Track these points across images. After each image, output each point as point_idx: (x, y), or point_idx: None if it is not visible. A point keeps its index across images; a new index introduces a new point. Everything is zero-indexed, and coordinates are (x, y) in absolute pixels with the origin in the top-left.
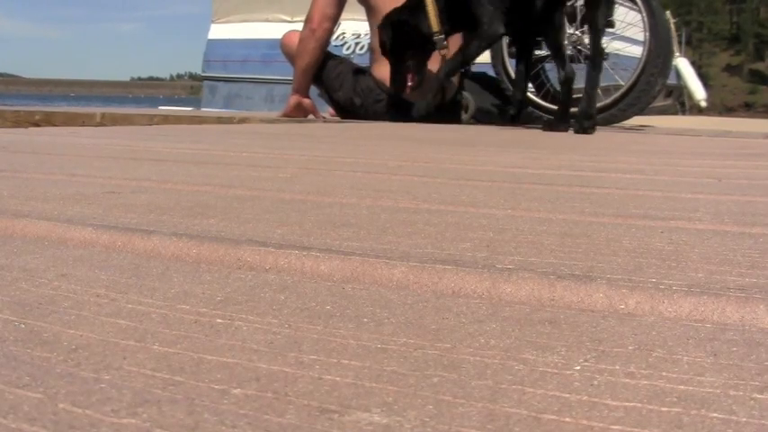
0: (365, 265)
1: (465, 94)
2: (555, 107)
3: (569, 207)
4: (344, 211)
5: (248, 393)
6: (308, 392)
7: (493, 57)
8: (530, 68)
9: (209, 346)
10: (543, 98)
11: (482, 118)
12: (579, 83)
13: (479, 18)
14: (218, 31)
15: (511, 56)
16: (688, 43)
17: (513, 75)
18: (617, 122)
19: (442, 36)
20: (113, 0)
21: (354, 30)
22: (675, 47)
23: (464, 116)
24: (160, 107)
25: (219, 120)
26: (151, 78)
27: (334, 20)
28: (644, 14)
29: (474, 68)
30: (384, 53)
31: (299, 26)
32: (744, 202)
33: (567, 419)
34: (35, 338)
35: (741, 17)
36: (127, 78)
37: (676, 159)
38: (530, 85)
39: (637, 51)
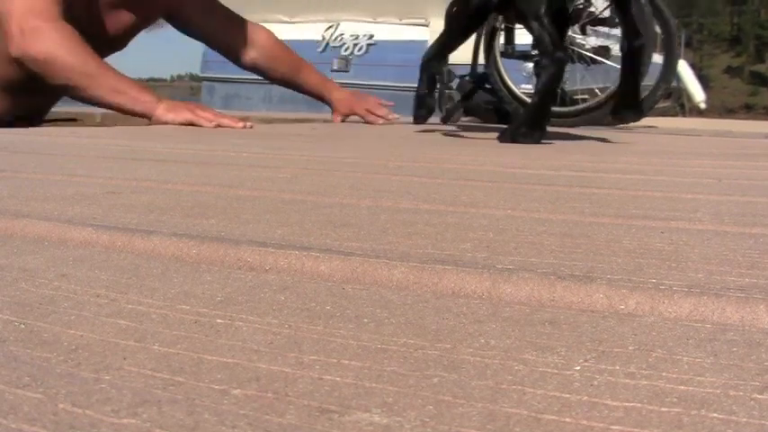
0: (365, 266)
1: (452, 93)
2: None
3: (569, 207)
4: (344, 212)
5: (248, 393)
6: (308, 392)
7: (486, 56)
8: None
9: (209, 346)
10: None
11: (477, 118)
12: (577, 84)
13: None
14: None
15: (503, 55)
16: (688, 45)
17: (504, 74)
18: (618, 124)
19: None
20: None
21: (353, 31)
22: (679, 50)
23: (453, 117)
24: None
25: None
26: (152, 79)
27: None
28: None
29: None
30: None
31: (299, 27)
32: (744, 203)
33: (567, 419)
34: (35, 338)
35: (742, 19)
36: None
37: (676, 159)
38: (528, 86)
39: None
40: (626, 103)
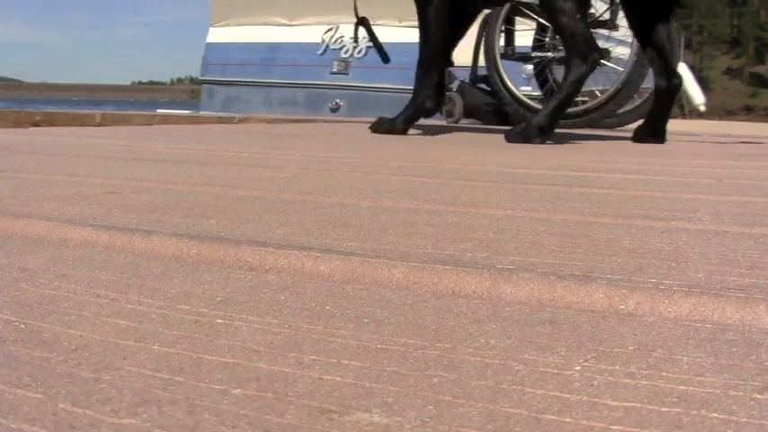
0: (365, 265)
1: (452, 95)
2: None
3: (569, 207)
4: (344, 212)
5: (248, 393)
6: (308, 392)
7: (486, 58)
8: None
9: (209, 346)
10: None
11: (475, 119)
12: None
13: None
14: (217, 35)
15: (503, 57)
16: (688, 47)
17: (504, 76)
18: (617, 126)
19: None
20: (115, 5)
21: (353, 33)
22: (679, 52)
23: (452, 119)
24: (158, 110)
25: (220, 120)
26: (152, 82)
27: None
28: None
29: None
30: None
31: (298, 30)
32: (744, 202)
33: (567, 419)
34: (35, 338)
35: (741, 20)
36: (128, 82)
37: (676, 159)
38: (527, 87)
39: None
40: (653, 132)
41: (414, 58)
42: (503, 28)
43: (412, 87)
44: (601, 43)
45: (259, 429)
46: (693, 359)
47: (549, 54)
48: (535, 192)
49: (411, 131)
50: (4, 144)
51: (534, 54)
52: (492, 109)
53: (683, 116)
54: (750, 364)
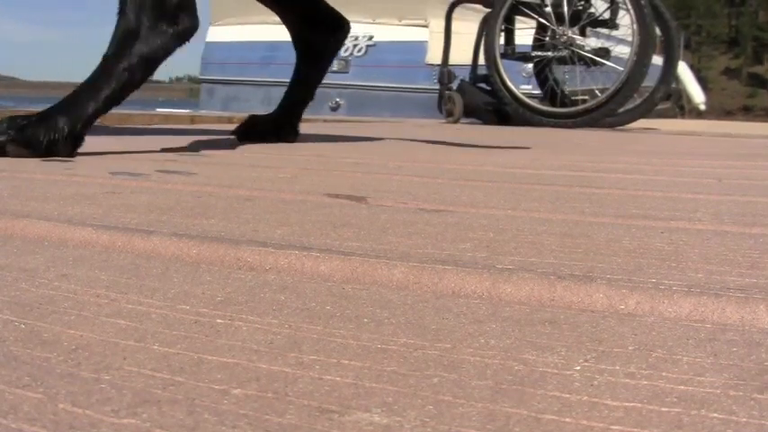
0: (365, 266)
1: (452, 94)
2: (550, 109)
3: (569, 207)
4: (344, 211)
5: (248, 393)
6: (308, 392)
7: (486, 57)
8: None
9: (209, 346)
10: (549, 97)
11: (475, 118)
12: (578, 85)
13: None
14: (216, 34)
15: (503, 56)
16: (686, 47)
17: (504, 75)
18: (619, 125)
19: None
20: (113, 4)
21: (352, 32)
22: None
23: (452, 118)
24: (157, 110)
25: (219, 119)
26: (150, 81)
27: None
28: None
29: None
30: None
31: None
32: (744, 202)
33: (567, 419)
34: (35, 338)
35: (740, 20)
36: None
37: (676, 159)
38: (527, 86)
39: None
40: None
41: (413, 56)
42: (503, 27)
43: (413, 86)
44: (601, 42)
45: (259, 429)
46: (693, 359)
47: (549, 53)
48: (535, 192)
49: (411, 132)
50: None
51: (534, 53)
52: (492, 108)
53: (683, 115)
54: (750, 364)
